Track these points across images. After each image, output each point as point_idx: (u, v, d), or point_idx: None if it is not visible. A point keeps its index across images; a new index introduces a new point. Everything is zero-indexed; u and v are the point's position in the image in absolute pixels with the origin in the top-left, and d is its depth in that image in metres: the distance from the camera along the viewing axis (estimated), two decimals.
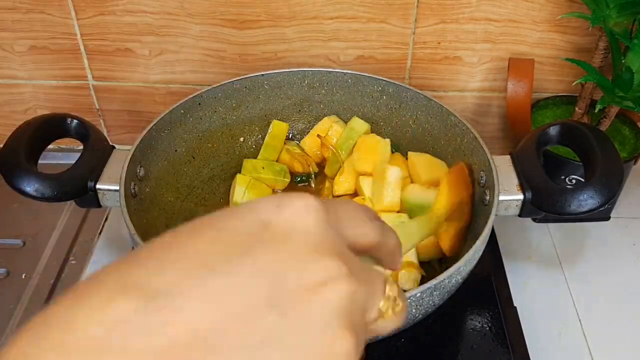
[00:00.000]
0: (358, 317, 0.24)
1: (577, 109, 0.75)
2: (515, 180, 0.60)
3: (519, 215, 0.61)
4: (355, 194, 0.71)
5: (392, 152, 0.73)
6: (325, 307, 0.22)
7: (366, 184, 0.68)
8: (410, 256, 0.62)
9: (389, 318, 0.27)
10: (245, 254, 0.23)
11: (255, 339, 0.21)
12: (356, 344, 0.23)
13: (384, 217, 0.63)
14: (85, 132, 0.63)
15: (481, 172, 0.63)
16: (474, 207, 0.63)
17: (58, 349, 0.20)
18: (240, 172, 0.73)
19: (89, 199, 0.60)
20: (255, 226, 0.24)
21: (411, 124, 0.73)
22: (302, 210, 0.24)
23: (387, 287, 0.27)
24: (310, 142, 0.76)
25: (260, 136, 0.77)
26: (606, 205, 0.58)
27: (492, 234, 0.72)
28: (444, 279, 0.51)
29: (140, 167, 0.63)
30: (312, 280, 0.23)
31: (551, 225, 0.78)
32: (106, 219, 0.78)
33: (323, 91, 0.76)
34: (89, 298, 0.21)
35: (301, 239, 0.24)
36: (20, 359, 0.20)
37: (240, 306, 0.21)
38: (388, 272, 0.31)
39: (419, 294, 0.50)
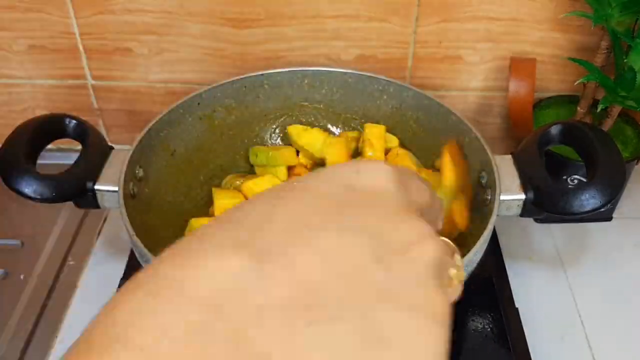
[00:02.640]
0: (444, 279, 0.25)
1: (579, 108, 0.75)
2: (516, 180, 0.60)
3: (521, 216, 0.60)
4: None
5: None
6: (421, 264, 0.23)
7: None
8: None
9: (454, 287, 0.27)
10: (341, 214, 0.24)
11: (368, 295, 0.21)
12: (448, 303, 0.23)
13: None
14: (83, 133, 0.63)
15: (482, 172, 0.62)
16: (473, 192, 0.62)
17: (176, 307, 0.20)
18: (239, 172, 0.72)
19: (87, 200, 0.60)
20: (341, 191, 0.25)
21: (412, 123, 0.73)
22: (380, 175, 0.26)
23: (456, 255, 0.28)
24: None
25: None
26: (608, 206, 0.58)
27: (494, 235, 0.72)
28: None
29: (140, 167, 0.63)
30: (406, 239, 0.24)
31: (553, 225, 0.77)
32: (105, 220, 0.78)
33: (323, 91, 0.75)
34: (199, 257, 0.21)
35: (384, 201, 0.25)
36: (135, 315, 0.20)
37: (349, 263, 0.22)
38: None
39: None
